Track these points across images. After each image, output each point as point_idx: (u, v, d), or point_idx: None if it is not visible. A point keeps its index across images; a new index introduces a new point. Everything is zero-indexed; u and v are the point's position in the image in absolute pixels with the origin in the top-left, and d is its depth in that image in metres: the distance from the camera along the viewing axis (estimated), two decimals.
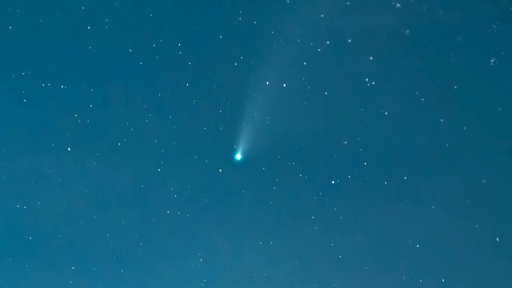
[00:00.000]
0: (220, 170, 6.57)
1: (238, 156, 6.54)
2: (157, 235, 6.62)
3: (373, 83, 6.46)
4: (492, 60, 6.40)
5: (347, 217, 6.56)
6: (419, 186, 6.50)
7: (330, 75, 6.50)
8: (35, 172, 6.56)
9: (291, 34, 6.44)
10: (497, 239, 6.42)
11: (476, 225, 6.46)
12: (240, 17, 6.47)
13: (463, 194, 6.46)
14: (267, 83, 6.48)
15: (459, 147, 6.45)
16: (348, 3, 6.44)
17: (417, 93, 6.45)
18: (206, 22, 6.50)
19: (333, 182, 6.56)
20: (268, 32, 6.47)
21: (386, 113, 6.49)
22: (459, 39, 6.41)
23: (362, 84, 6.46)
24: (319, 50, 6.45)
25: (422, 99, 6.45)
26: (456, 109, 6.45)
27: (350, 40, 6.46)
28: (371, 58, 6.45)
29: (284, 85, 6.50)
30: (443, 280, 6.52)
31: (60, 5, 6.48)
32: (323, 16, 6.42)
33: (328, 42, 6.47)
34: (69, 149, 6.53)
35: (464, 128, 6.43)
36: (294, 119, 6.55)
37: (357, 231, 6.59)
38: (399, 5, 6.44)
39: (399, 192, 6.51)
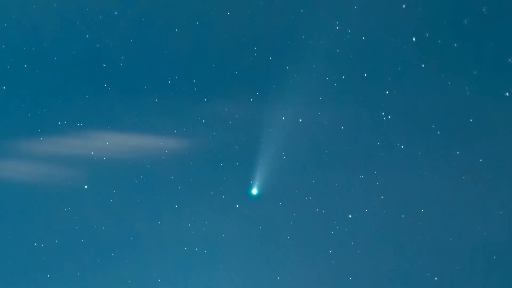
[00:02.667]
0: (237, 206, 6.58)
1: (255, 191, 6.55)
2: (175, 272, 6.62)
3: (389, 117, 6.47)
4: (507, 93, 6.41)
5: (364, 251, 6.56)
6: (437, 219, 6.50)
7: (346, 110, 6.51)
8: (52, 210, 6.57)
9: (307, 69, 6.45)
10: None
11: (494, 257, 6.47)
12: (255, 53, 6.49)
13: (481, 227, 6.46)
14: (283, 118, 6.49)
15: (476, 180, 6.45)
16: (364, 38, 6.45)
17: (433, 126, 6.45)
18: (221, 58, 6.51)
19: (350, 216, 6.56)
20: (284, 67, 6.48)
21: (402, 147, 6.50)
22: (475, 72, 6.41)
23: (378, 118, 6.46)
24: (335, 85, 6.47)
25: (438, 132, 6.46)
26: (472, 142, 6.45)
27: (365, 75, 6.47)
28: (387, 92, 6.46)
29: (300, 120, 6.51)
30: None
31: (74, 43, 6.50)
32: (338, 51, 6.43)
33: (343, 77, 6.47)
34: (86, 186, 6.54)
35: (480, 160, 6.43)
36: (310, 154, 6.55)
37: (374, 265, 6.58)
38: (414, 38, 6.45)
39: (416, 225, 6.51)
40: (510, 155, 6.40)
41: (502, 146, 6.43)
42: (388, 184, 6.52)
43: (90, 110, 6.52)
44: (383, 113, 6.46)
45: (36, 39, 6.48)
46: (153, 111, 6.52)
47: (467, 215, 6.47)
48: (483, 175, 6.44)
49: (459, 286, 6.54)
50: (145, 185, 6.55)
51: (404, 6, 6.43)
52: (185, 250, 6.60)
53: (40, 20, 6.49)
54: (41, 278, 6.56)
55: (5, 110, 6.51)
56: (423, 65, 6.43)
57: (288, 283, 6.63)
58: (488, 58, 6.41)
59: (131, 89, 6.52)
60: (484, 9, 6.44)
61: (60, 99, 6.51)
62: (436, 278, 6.57)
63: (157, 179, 6.56)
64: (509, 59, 6.37)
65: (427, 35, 6.43)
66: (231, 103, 6.53)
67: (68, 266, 6.57)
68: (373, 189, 6.52)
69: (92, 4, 6.47)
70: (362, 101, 6.50)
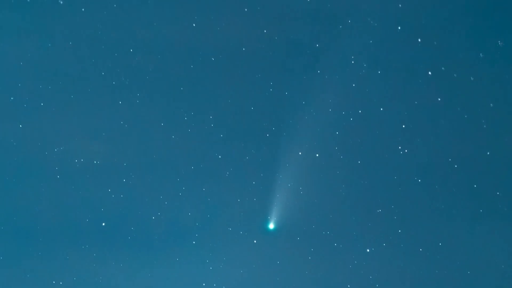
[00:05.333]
0: (255, 241, 6.57)
1: (272, 226, 6.55)
2: None
3: (406, 150, 6.47)
4: None
5: (383, 285, 6.55)
6: (455, 252, 6.49)
7: (362, 144, 6.51)
8: (69, 247, 6.56)
9: (323, 104, 6.46)
10: None
11: None
12: (271, 88, 6.50)
13: (499, 259, 6.45)
14: (300, 153, 6.49)
15: (493, 213, 6.45)
16: (379, 72, 6.46)
17: (450, 160, 6.46)
18: (237, 93, 6.52)
19: (368, 250, 6.55)
20: (300, 102, 6.49)
21: (419, 180, 6.50)
22: (491, 105, 6.41)
23: (395, 152, 6.46)
24: (351, 119, 6.47)
25: (455, 166, 6.45)
26: (489, 175, 6.45)
27: (382, 109, 6.47)
28: (403, 126, 6.46)
29: (317, 155, 6.51)
30: None
31: (90, 80, 6.51)
32: (354, 85, 6.44)
33: (360, 111, 6.48)
34: (103, 223, 6.54)
35: (498, 193, 6.43)
36: (327, 189, 6.56)
37: None
38: (430, 72, 6.45)
39: (434, 259, 6.49)
40: None
41: None
42: (405, 218, 6.51)
43: (107, 148, 6.52)
44: (399, 147, 6.47)
45: (52, 77, 6.49)
46: (170, 148, 6.53)
47: (485, 248, 6.46)
48: (500, 208, 6.44)
49: None
50: (162, 221, 6.55)
51: (419, 40, 6.44)
52: (203, 286, 6.60)
53: (55, 58, 6.51)
54: None
55: (22, 148, 6.51)
56: (439, 99, 6.44)
57: None
58: (505, 91, 6.42)
59: (147, 126, 6.53)
60: (499, 42, 6.45)
61: (76, 137, 6.52)
62: None
63: (174, 215, 6.56)
64: None
65: (443, 68, 6.44)
66: (247, 139, 6.54)
67: None
68: (391, 223, 6.51)
69: (108, 42, 6.48)
70: (378, 135, 6.51)
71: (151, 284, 6.56)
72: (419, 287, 6.54)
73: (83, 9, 6.41)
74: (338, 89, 6.44)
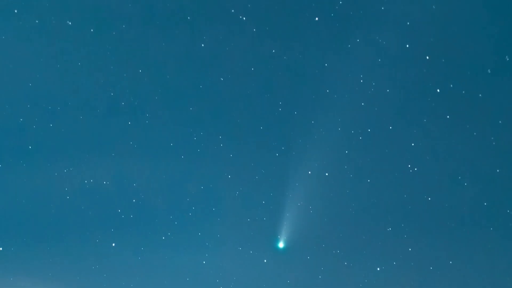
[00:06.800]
0: (265, 261, 6.58)
1: (281, 245, 6.55)
2: None
3: (416, 169, 6.47)
4: None
5: None
6: (465, 271, 6.49)
7: (372, 163, 6.52)
8: (79, 268, 6.57)
9: (332, 123, 6.46)
10: None
11: None
12: (280, 107, 6.51)
13: (510, 278, 6.44)
14: (309, 172, 6.49)
15: (503, 231, 6.44)
16: (388, 90, 6.45)
17: (459, 177, 6.45)
18: (246, 113, 6.53)
19: (378, 269, 6.55)
20: (309, 121, 6.49)
21: (429, 199, 6.49)
22: (500, 122, 6.41)
23: (404, 171, 6.46)
24: (361, 138, 6.47)
25: (465, 184, 6.45)
26: (499, 192, 6.44)
27: (391, 127, 6.48)
28: (412, 144, 6.46)
29: (326, 174, 6.51)
30: None
31: (99, 101, 6.51)
32: (363, 104, 6.44)
33: (369, 130, 6.48)
34: (113, 244, 6.54)
35: (508, 211, 6.42)
36: (337, 208, 6.56)
37: None
38: (438, 90, 6.45)
39: (444, 278, 6.49)
40: None
41: None
42: (415, 236, 6.51)
43: (116, 168, 6.53)
44: (409, 165, 6.46)
45: (61, 98, 6.49)
46: (179, 168, 6.53)
47: (495, 267, 6.45)
48: (511, 226, 6.43)
49: None
50: (172, 242, 6.55)
51: (427, 57, 6.44)
52: None
53: (64, 79, 6.51)
54: None
55: (32, 170, 6.51)
56: (448, 116, 6.43)
57: None
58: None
59: (156, 146, 6.53)
60: (507, 58, 6.44)
61: (86, 157, 6.52)
62: None
63: (184, 235, 6.56)
64: None
65: (452, 86, 6.43)
66: (256, 158, 6.54)
67: None
68: (401, 242, 6.51)
69: (117, 62, 6.49)
70: (388, 154, 6.50)
71: None
72: None
73: (91, 30, 6.42)
74: (347, 108, 6.44)
